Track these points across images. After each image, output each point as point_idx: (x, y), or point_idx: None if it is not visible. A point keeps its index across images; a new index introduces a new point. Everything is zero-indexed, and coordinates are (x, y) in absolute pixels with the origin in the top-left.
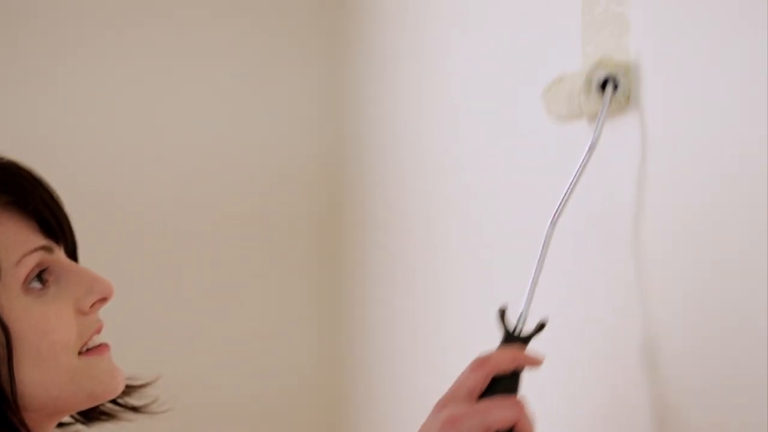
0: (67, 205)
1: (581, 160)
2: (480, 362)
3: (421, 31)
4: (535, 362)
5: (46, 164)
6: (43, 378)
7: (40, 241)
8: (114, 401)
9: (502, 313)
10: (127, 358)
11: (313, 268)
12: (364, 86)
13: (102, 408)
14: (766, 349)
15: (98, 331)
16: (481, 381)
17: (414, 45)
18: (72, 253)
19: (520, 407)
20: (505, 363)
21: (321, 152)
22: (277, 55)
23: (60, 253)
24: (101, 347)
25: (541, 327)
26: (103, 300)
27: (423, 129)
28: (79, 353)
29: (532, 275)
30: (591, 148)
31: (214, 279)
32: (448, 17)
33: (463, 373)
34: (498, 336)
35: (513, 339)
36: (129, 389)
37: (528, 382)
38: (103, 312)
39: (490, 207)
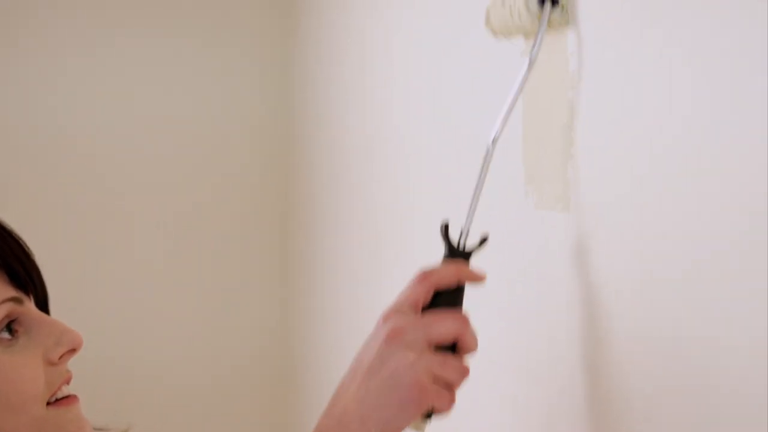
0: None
1: (521, 77)
2: (423, 275)
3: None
4: (478, 278)
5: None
6: (11, 428)
7: (10, 292)
8: None
9: (446, 228)
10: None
11: (267, 250)
12: (313, 73)
13: None
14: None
15: (67, 382)
16: (425, 293)
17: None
18: (42, 304)
19: (463, 321)
20: (448, 277)
21: (276, 134)
22: (227, 43)
23: (30, 305)
24: (70, 398)
25: (483, 241)
26: (72, 351)
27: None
28: (48, 404)
29: (474, 191)
30: (530, 65)
31: (170, 261)
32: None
33: (406, 285)
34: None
35: (456, 254)
36: None
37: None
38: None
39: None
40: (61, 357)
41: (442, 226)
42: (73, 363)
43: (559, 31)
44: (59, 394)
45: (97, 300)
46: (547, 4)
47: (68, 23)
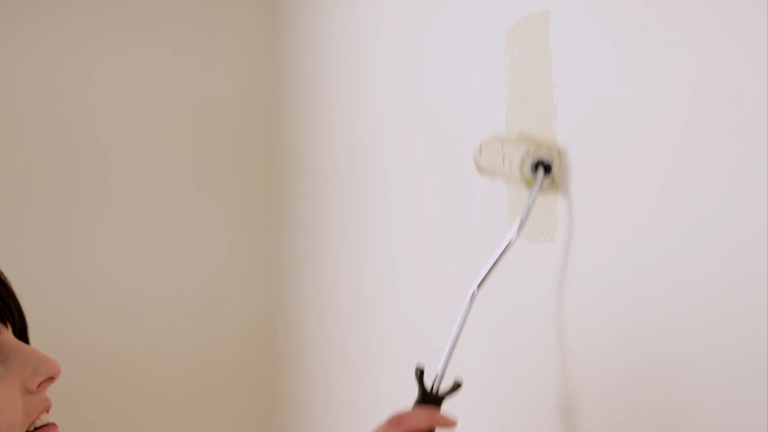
0: None
1: (507, 239)
2: (396, 420)
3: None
4: (449, 423)
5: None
6: None
7: None
8: None
9: (420, 373)
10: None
11: (254, 239)
12: (300, 60)
13: None
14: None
15: (46, 410)
16: None
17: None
18: (21, 333)
19: None
20: (420, 423)
21: (262, 117)
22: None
23: (7, 334)
24: (49, 426)
25: (456, 387)
26: (51, 380)
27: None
28: None
29: (451, 339)
30: (520, 227)
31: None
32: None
33: (378, 429)
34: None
35: (429, 398)
36: None
37: None
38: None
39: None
40: (39, 385)
41: (416, 371)
42: (65, 353)
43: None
44: (38, 423)
45: (84, 288)
46: (540, 172)
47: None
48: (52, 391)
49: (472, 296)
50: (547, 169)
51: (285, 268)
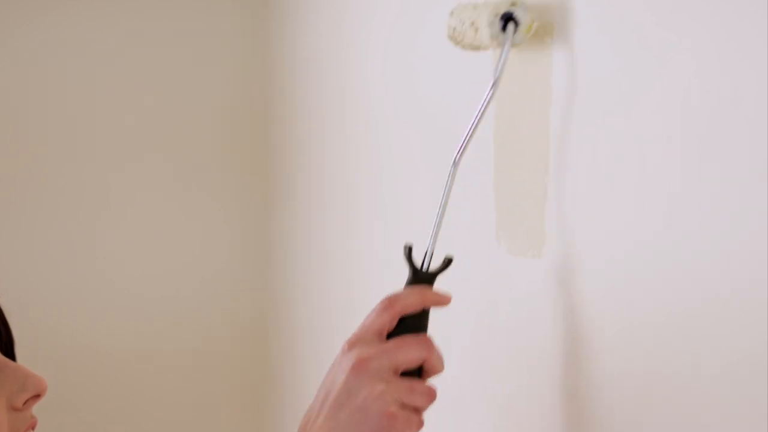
0: None
1: (484, 97)
2: (388, 302)
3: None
4: (443, 301)
5: None
6: None
7: None
8: None
9: (409, 251)
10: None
11: (247, 221)
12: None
13: None
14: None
15: (32, 428)
16: (389, 321)
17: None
18: (8, 350)
19: (428, 345)
20: (413, 303)
21: (253, 94)
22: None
23: None
24: None
25: (447, 263)
26: (37, 397)
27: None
28: None
29: (437, 214)
30: (494, 85)
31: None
32: None
33: (370, 313)
34: (405, 272)
35: (420, 277)
36: None
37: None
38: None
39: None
40: (25, 403)
41: (405, 249)
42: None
43: (542, 46)
44: None
45: (75, 274)
46: (510, 25)
47: None
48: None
49: (455, 163)
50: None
51: (277, 264)
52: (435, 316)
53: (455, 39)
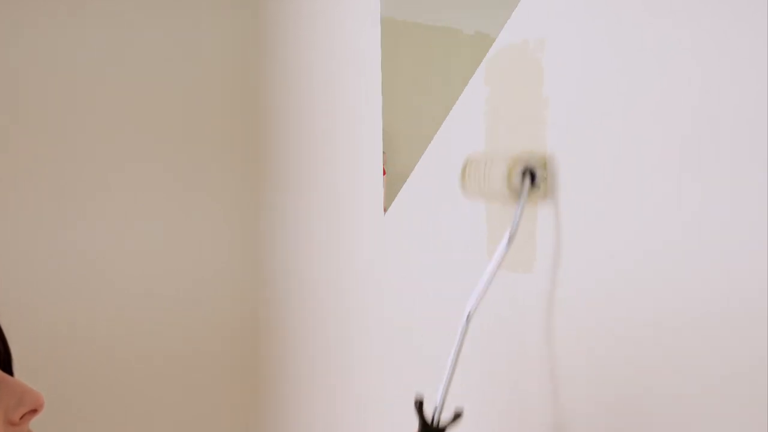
0: None
1: (499, 254)
2: None
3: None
4: None
5: None
6: None
7: None
8: None
9: (420, 404)
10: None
11: (237, 203)
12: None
13: None
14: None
15: None
16: None
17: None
18: (6, 365)
19: None
20: None
21: (245, 79)
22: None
23: None
24: None
25: (457, 417)
26: (34, 412)
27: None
28: None
29: (449, 366)
30: (510, 240)
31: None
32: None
33: None
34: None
35: (430, 430)
36: None
37: None
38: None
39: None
40: (22, 417)
41: (416, 402)
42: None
43: (533, 205)
44: None
45: (72, 273)
46: (527, 180)
47: None
48: (45, 382)
49: (468, 317)
50: (533, 178)
51: (268, 264)
52: (434, 325)
53: (466, 187)
